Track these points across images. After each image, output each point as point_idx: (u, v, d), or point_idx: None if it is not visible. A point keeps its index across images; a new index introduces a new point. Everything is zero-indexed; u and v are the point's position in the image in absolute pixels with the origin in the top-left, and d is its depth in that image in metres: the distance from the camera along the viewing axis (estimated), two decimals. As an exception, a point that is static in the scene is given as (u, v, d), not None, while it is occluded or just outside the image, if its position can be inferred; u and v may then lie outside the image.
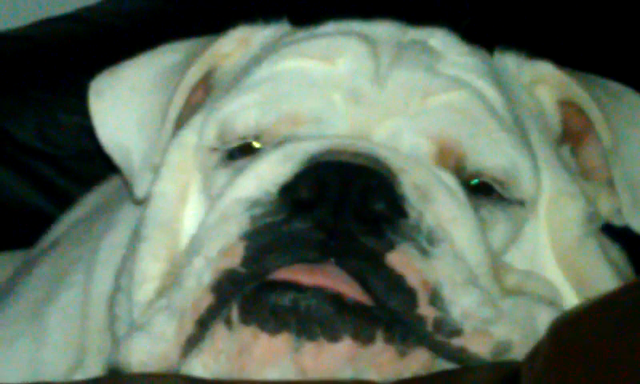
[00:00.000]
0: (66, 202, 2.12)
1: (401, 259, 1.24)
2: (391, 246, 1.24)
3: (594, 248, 1.39)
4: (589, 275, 1.37)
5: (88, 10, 2.59)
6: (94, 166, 1.65)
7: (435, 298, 1.24)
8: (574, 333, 1.08)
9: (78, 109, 1.57)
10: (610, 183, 1.43)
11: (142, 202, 1.47)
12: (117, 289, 1.45)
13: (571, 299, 1.36)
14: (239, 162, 1.38)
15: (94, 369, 1.50)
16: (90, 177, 2.05)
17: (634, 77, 1.57)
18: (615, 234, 1.46)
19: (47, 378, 1.53)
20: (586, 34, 2.26)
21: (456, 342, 1.23)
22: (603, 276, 1.37)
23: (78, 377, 1.50)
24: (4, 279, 1.93)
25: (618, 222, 1.45)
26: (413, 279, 1.24)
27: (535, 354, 1.09)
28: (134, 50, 1.60)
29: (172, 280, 1.34)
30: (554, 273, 1.38)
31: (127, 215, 1.58)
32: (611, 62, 2.05)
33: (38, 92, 2.41)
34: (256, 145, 1.39)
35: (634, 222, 1.41)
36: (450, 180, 1.33)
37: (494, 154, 1.35)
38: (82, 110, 1.57)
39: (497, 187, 1.35)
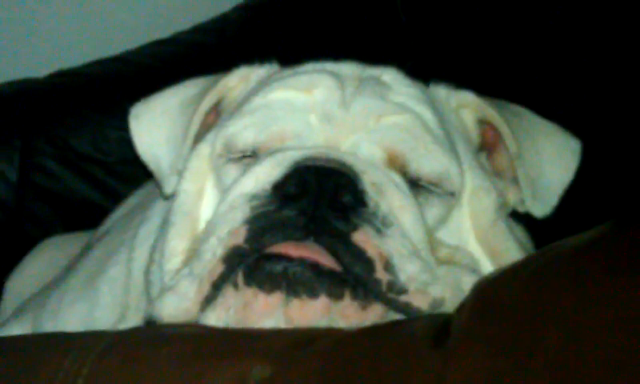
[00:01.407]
0: (114, 196, 2.13)
1: (362, 237, 1.24)
2: (355, 228, 1.24)
3: (504, 229, 1.39)
4: (500, 249, 1.37)
5: (130, 53, 2.58)
6: (135, 169, 1.65)
7: (388, 266, 1.24)
8: (492, 290, 1.09)
9: (122, 126, 1.57)
10: (516, 181, 1.44)
11: (169, 198, 1.46)
12: (151, 262, 1.44)
13: (488, 267, 1.36)
14: (241, 163, 1.38)
15: (134, 321, 1.49)
16: (132, 177, 2.07)
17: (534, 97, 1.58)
18: (519, 217, 1.46)
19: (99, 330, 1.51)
20: (497, 69, 2.26)
21: (403, 298, 1.24)
22: (511, 249, 1.37)
23: (122, 327, 1.49)
24: (67, 254, 1.94)
25: (521, 209, 1.45)
26: (371, 252, 1.24)
27: (462, 307, 1.09)
28: (163, 84, 1.59)
29: (193, 254, 1.33)
30: (474, 248, 1.38)
31: (158, 210, 1.57)
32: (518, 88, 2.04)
33: (92, 113, 2.42)
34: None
35: (533, 209, 1.42)
36: (398, 179, 1.33)
37: (429, 162, 1.35)
38: (125, 127, 1.55)
39: (432, 187, 1.35)
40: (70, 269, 1.80)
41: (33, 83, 2.47)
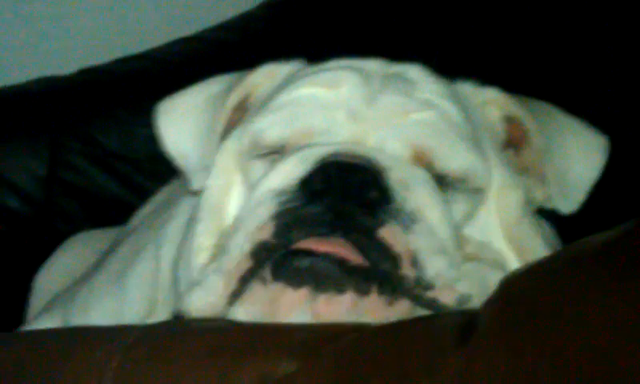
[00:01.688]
0: (141, 193, 2.14)
1: (389, 233, 1.24)
2: (382, 224, 1.24)
3: (530, 224, 1.38)
4: (526, 245, 1.36)
5: (156, 50, 2.60)
6: (162, 166, 1.66)
7: (415, 262, 1.24)
8: (517, 288, 1.08)
9: (149, 123, 1.55)
10: (542, 178, 1.42)
11: (196, 194, 1.46)
12: (179, 258, 1.45)
13: (514, 264, 1.35)
14: (268, 159, 1.38)
15: (161, 317, 1.50)
16: (159, 174, 2.06)
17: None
18: (546, 214, 1.46)
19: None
20: (523, 65, 2.25)
21: (429, 294, 1.24)
22: (538, 246, 1.36)
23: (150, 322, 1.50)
24: (95, 249, 1.95)
25: (548, 206, 1.44)
26: (398, 248, 1.24)
27: (487, 303, 1.09)
28: (189, 81, 1.59)
29: (220, 249, 1.33)
30: (501, 244, 1.37)
31: (185, 207, 1.57)
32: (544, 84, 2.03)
33: (119, 111, 2.44)
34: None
35: (560, 206, 1.41)
36: (424, 174, 1.32)
37: (455, 158, 1.35)
38: (152, 124, 1.55)
39: (458, 183, 1.35)
40: (98, 265, 1.81)
41: (60, 80, 2.48)
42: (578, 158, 1.44)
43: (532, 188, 1.43)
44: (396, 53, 1.56)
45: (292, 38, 2.53)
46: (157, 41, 2.63)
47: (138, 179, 2.38)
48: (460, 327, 1.06)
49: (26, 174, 2.35)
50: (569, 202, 1.42)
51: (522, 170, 1.45)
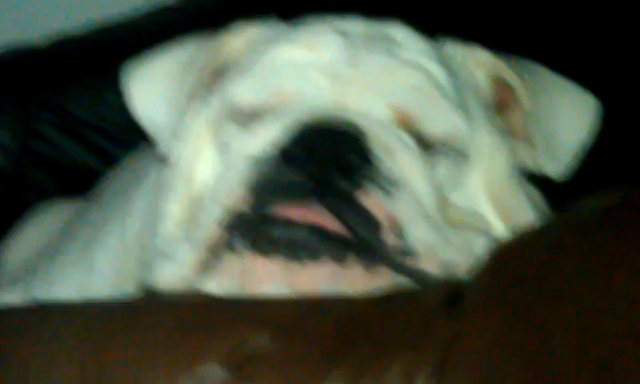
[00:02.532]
0: (113, 162, 2.09)
1: (369, 197, 1.18)
2: (361, 188, 1.19)
3: (517, 189, 1.33)
4: (514, 210, 1.31)
5: (130, 18, 2.53)
6: (136, 135, 1.62)
7: (396, 228, 1.18)
8: (513, 256, 1.04)
9: (120, 91, 1.50)
10: (529, 140, 1.37)
11: (167, 161, 1.40)
12: (147, 227, 1.39)
13: (500, 230, 1.30)
14: (243, 124, 1.32)
15: (129, 290, 1.44)
16: (131, 143, 2.00)
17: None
18: (535, 181, 1.40)
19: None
20: (507, 25, 2.20)
21: (412, 262, 1.18)
22: (525, 210, 1.31)
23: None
24: (62, 219, 1.90)
25: (536, 169, 1.38)
26: (378, 213, 1.18)
27: (478, 271, 1.04)
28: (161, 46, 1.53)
29: (191, 219, 1.28)
30: (487, 209, 1.31)
31: (153, 175, 1.52)
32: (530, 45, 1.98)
33: (92, 80, 2.38)
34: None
35: (547, 169, 1.36)
36: (407, 139, 1.26)
37: (440, 121, 1.29)
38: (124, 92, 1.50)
39: (442, 147, 1.29)
40: (63, 235, 1.76)
41: (30, 49, 2.42)
42: (566, 118, 1.38)
43: (519, 151, 1.37)
44: (376, 12, 1.48)
45: (270, 2, 2.47)
46: (131, 9, 2.56)
47: (110, 149, 2.33)
48: (446, 296, 1.02)
49: (-6, 146, 2.29)
50: (557, 165, 1.36)
51: (508, 133, 1.39)
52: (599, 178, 1.55)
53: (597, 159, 1.41)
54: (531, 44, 2.04)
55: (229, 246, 1.20)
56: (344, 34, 1.35)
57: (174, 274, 1.23)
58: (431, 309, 1.01)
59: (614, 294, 0.93)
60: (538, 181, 1.40)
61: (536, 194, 1.38)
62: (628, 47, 2.05)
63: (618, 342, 0.90)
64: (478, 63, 1.41)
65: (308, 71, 1.31)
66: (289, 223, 1.17)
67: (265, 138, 1.24)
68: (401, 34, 1.38)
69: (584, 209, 1.05)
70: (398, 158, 1.23)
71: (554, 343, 0.92)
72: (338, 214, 1.17)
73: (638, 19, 2.05)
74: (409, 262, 1.18)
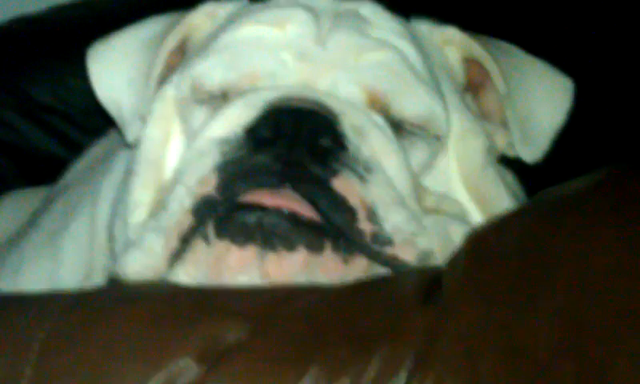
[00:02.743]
0: (76, 148, 2.04)
1: (343, 184, 1.15)
2: (335, 173, 1.15)
3: (493, 174, 1.30)
4: (489, 195, 1.28)
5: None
6: (99, 120, 1.58)
7: (371, 215, 1.15)
8: (490, 239, 1.03)
9: (85, 75, 1.46)
10: (504, 123, 1.34)
11: (133, 146, 1.36)
12: (114, 215, 1.35)
13: (476, 216, 1.27)
14: (210, 105, 1.28)
15: (99, 281, 1.40)
16: (95, 129, 1.95)
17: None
18: (509, 163, 1.38)
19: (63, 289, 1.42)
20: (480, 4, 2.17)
21: (388, 250, 1.15)
22: (500, 195, 1.29)
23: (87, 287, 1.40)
24: (28, 210, 1.85)
25: (510, 153, 1.36)
26: (353, 200, 1.15)
27: (455, 258, 1.02)
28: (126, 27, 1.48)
29: (159, 205, 1.24)
30: (462, 195, 1.29)
31: (122, 160, 1.47)
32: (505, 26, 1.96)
33: (52, 61, 2.30)
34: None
35: (523, 153, 1.33)
36: (380, 120, 1.23)
37: (413, 102, 1.26)
38: (87, 75, 1.45)
39: (416, 129, 1.26)
40: (30, 224, 1.71)
41: (-13, 29, 2.35)
42: (541, 100, 1.36)
43: (493, 134, 1.35)
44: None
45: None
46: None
47: (73, 135, 2.27)
48: (424, 285, 1.00)
49: (-47, 131, 2.23)
50: (532, 148, 1.34)
51: (482, 115, 1.37)
52: (571, 160, 1.55)
53: (569, 141, 1.39)
54: (503, 23, 2.03)
55: (199, 234, 1.17)
56: (311, 11, 1.32)
57: (142, 262, 1.20)
58: (409, 298, 0.99)
59: (590, 277, 0.93)
60: (511, 163, 1.38)
61: (511, 179, 1.36)
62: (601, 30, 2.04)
63: (597, 325, 0.90)
64: (451, 43, 1.38)
65: (275, 50, 1.28)
66: (261, 209, 1.14)
67: (232, 120, 1.21)
68: (370, 11, 1.35)
69: (558, 194, 1.05)
70: (370, 140, 1.20)
71: (533, 327, 0.92)
72: (312, 201, 1.14)
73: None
74: (386, 250, 1.15)
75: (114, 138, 1.67)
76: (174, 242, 1.18)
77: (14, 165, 2.25)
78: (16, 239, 1.70)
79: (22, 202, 1.99)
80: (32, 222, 1.71)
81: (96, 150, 1.83)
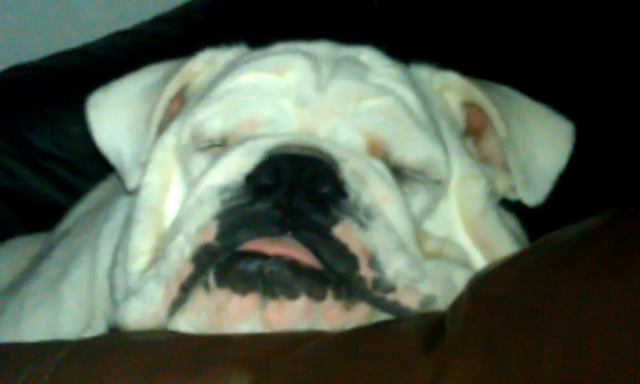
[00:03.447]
0: (76, 195, 2.04)
1: (344, 231, 1.15)
2: (336, 221, 1.15)
3: (494, 217, 1.30)
4: (491, 239, 1.28)
5: (91, 45, 2.48)
6: (98, 166, 1.58)
7: (373, 262, 1.15)
8: (489, 286, 1.02)
9: (84, 121, 1.47)
10: (505, 167, 1.35)
11: (133, 193, 1.36)
12: (115, 263, 1.34)
13: (478, 260, 1.27)
14: (210, 153, 1.29)
15: (101, 329, 1.39)
16: (95, 175, 1.96)
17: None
18: (510, 207, 1.38)
19: (63, 338, 1.41)
20: (477, 51, 2.19)
21: (390, 296, 1.14)
22: (503, 239, 1.28)
23: (88, 336, 1.38)
24: (28, 257, 1.84)
25: (512, 197, 1.36)
26: (354, 247, 1.14)
27: (456, 304, 1.02)
28: (125, 74, 1.49)
29: (159, 254, 1.23)
30: (463, 239, 1.29)
31: (122, 206, 1.47)
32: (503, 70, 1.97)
33: (52, 109, 2.31)
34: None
35: (524, 196, 1.33)
36: (380, 166, 1.23)
37: (413, 148, 1.26)
38: (87, 122, 1.46)
39: (416, 175, 1.27)
40: (30, 272, 1.70)
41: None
42: (542, 144, 1.36)
43: (494, 178, 1.35)
44: (343, 41, 1.46)
45: (234, 29, 2.43)
46: (91, 35, 2.52)
47: (73, 181, 2.27)
48: (427, 332, 0.99)
49: (-47, 178, 2.23)
50: (534, 192, 1.34)
51: (483, 159, 1.37)
52: (570, 202, 1.54)
53: (569, 182, 1.39)
54: (501, 68, 2.04)
55: (199, 282, 1.16)
56: (310, 57, 1.33)
57: (142, 311, 1.19)
58: (412, 344, 0.98)
59: (591, 326, 0.92)
60: (514, 207, 1.38)
61: (513, 222, 1.36)
62: (598, 63, 2.05)
63: (607, 368, 0.90)
64: (450, 87, 1.39)
65: (275, 97, 1.29)
66: (262, 257, 1.14)
67: (232, 167, 1.21)
68: (369, 57, 1.36)
69: (560, 238, 1.04)
70: (371, 186, 1.20)
71: (535, 376, 0.91)
72: (313, 249, 1.14)
73: (608, 36, 2.05)
74: (387, 296, 1.14)
75: (113, 183, 1.68)
76: (175, 291, 1.17)
77: (14, 211, 2.25)
78: (16, 286, 1.69)
79: (23, 248, 1.99)
80: (32, 268, 1.71)
81: (96, 194, 1.83)
